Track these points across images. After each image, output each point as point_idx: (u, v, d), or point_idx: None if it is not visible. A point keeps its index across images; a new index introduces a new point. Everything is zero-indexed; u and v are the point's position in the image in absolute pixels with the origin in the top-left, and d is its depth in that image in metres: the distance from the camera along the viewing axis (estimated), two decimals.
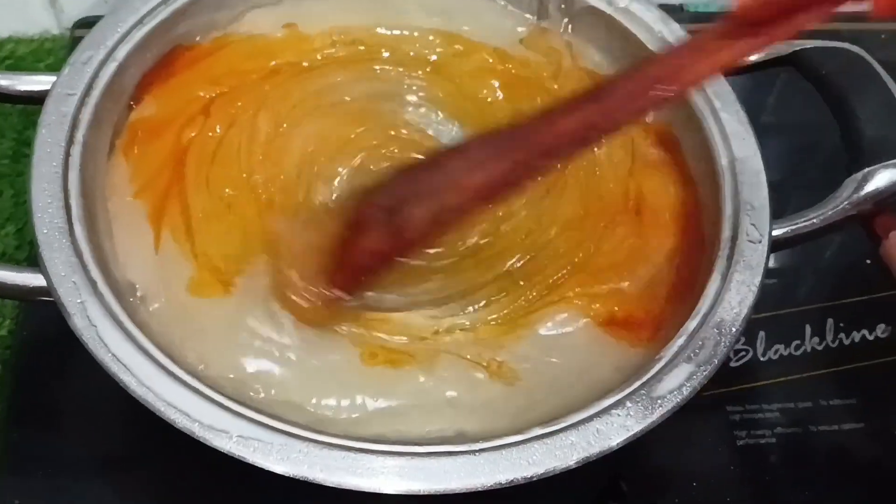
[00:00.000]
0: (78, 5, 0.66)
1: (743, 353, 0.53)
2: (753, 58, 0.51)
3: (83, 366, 0.37)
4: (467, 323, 0.43)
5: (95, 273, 0.39)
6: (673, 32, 0.51)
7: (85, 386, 0.43)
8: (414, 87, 0.52)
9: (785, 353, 0.54)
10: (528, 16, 0.55)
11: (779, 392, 0.52)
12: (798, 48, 0.50)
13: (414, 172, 0.42)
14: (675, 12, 0.68)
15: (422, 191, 0.39)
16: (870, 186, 0.45)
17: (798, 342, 0.54)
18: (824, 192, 0.46)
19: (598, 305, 0.44)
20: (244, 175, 0.47)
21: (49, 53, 0.66)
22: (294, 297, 0.41)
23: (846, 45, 0.49)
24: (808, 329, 0.54)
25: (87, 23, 0.64)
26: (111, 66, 0.46)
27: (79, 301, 0.38)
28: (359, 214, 0.41)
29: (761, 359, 0.53)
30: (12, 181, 0.58)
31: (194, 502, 0.45)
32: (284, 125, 0.49)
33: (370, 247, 0.40)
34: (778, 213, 0.45)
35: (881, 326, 0.54)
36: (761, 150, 0.46)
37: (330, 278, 0.41)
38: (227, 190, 0.46)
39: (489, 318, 0.43)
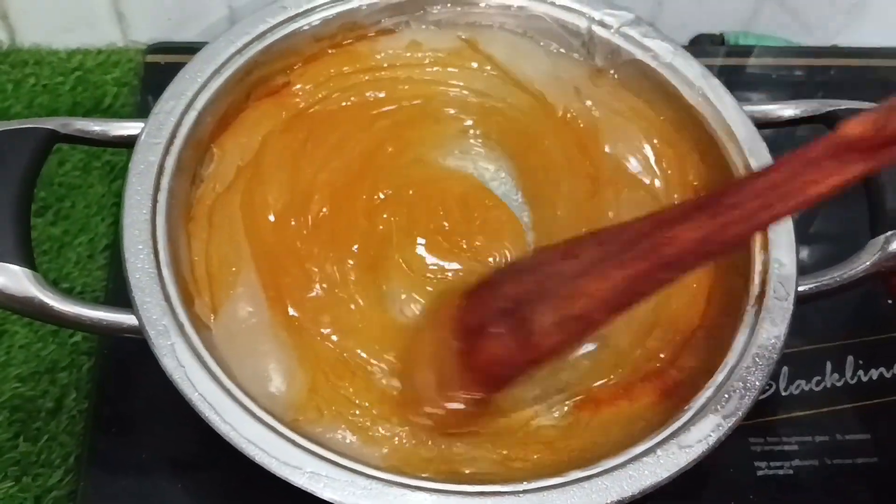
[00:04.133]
0: (144, 19, 0.69)
1: (767, 387, 0.56)
2: (788, 113, 0.54)
3: (157, 374, 0.41)
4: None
5: (183, 316, 0.43)
6: (713, 88, 0.54)
7: (159, 393, 0.45)
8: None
9: (806, 389, 0.56)
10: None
11: (799, 426, 0.55)
12: (832, 108, 0.53)
13: (519, 273, 0.41)
14: (715, 44, 0.73)
15: (545, 293, 0.38)
16: (892, 248, 0.48)
17: (819, 378, 0.57)
18: (842, 245, 0.49)
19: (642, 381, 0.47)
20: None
21: (115, 66, 0.69)
22: (430, 410, 0.43)
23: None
24: (828, 365, 0.57)
25: (160, 48, 0.68)
26: (192, 115, 0.48)
27: (169, 343, 0.42)
28: (474, 318, 0.41)
29: (783, 393, 0.56)
30: (84, 193, 0.60)
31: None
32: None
33: (499, 354, 0.40)
34: (801, 269, 0.47)
35: None
36: None
37: (462, 385, 0.41)
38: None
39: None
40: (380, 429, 0.45)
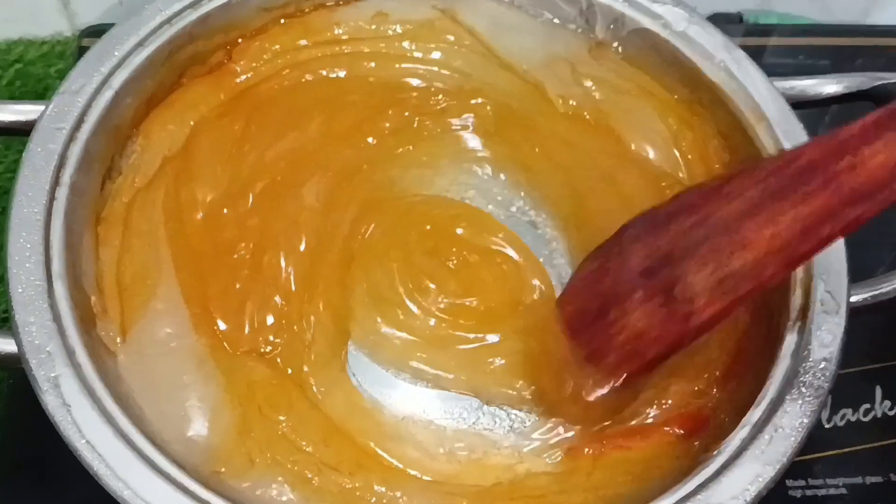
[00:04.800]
0: (91, 7, 0.62)
1: None
2: (830, 90, 0.45)
3: None
4: None
5: (75, 339, 0.35)
6: (737, 61, 0.45)
7: None
8: None
9: (853, 419, 0.48)
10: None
11: (846, 464, 0.47)
12: (882, 81, 0.44)
13: (657, 224, 0.35)
14: (732, 23, 0.64)
15: (696, 247, 0.32)
16: None
17: (867, 406, 0.49)
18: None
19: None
20: None
21: (60, 57, 0.63)
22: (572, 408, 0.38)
23: None
24: (878, 391, 0.49)
25: (97, 31, 0.60)
26: (106, 95, 0.41)
27: (52, 375, 0.34)
28: (613, 285, 0.35)
29: (826, 425, 0.48)
30: None
31: None
32: None
33: (643, 331, 0.34)
34: (854, 275, 0.40)
35: None
36: None
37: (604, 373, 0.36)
38: None
39: None
40: (329, 479, 0.36)
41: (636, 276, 0.34)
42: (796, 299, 0.38)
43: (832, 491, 0.46)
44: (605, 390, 0.36)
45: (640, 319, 0.34)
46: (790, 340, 0.37)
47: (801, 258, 0.32)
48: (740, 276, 0.32)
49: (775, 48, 0.64)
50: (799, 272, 0.39)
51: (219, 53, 0.46)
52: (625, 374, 0.36)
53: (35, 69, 0.62)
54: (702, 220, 0.33)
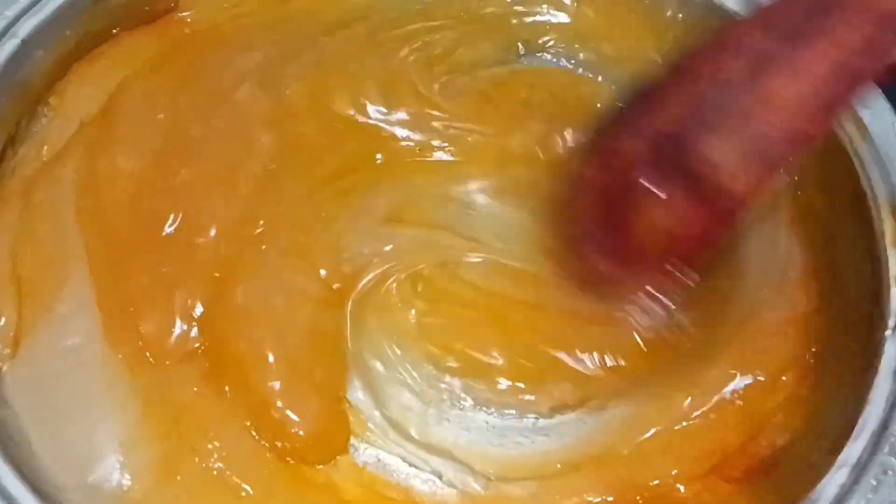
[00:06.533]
0: None
1: None
2: None
3: None
4: None
5: None
6: None
7: None
8: None
9: None
10: None
11: None
12: None
13: (664, 92, 0.29)
14: None
15: (711, 113, 0.27)
16: None
17: None
18: None
19: None
20: None
21: None
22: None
23: None
24: None
25: None
26: (9, 47, 0.34)
27: None
28: (620, 191, 0.30)
29: None
30: None
31: None
32: None
33: (664, 226, 0.29)
34: None
35: None
36: None
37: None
38: None
39: None
40: None
41: (647, 169, 0.29)
42: (894, 303, 0.30)
43: None
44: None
45: (666, 217, 0.29)
46: (891, 354, 0.29)
47: (835, 103, 0.27)
48: (771, 139, 0.27)
49: None
50: (893, 264, 0.30)
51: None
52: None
53: None
54: (707, 87, 0.28)
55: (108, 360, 0.30)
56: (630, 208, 0.29)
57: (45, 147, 0.35)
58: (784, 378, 0.32)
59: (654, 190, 0.28)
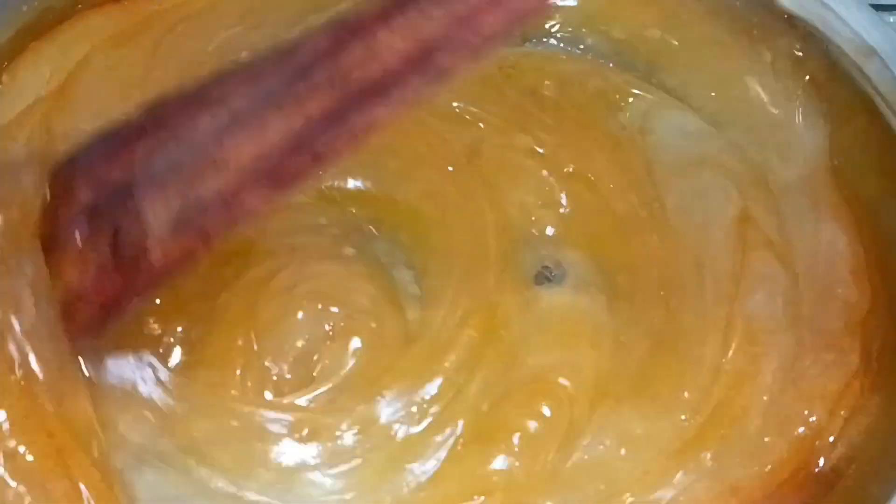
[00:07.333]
0: None
1: None
2: None
3: None
4: None
5: None
6: None
7: None
8: None
9: None
10: None
11: None
12: None
13: (147, 132, 0.26)
14: None
15: (160, 168, 0.25)
16: None
17: None
18: None
19: None
20: None
21: None
22: None
23: None
24: None
25: None
26: None
27: None
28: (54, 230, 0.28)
29: None
30: None
31: None
32: None
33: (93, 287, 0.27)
34: None
35: None
36: None
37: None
38: None
39: None
40: None
41: (79, 217, 0.27)
42: None
43: None
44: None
45: (79, 273, 0.27)
46: None
47: (296, 178, 0.25)
48: (207, 205, 0.25)
49: None
50: None
51: None
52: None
53: None
54: (172, 139, 0.26)
55: None
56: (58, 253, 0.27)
57: None
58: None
59: (79, 242, 0.27)
